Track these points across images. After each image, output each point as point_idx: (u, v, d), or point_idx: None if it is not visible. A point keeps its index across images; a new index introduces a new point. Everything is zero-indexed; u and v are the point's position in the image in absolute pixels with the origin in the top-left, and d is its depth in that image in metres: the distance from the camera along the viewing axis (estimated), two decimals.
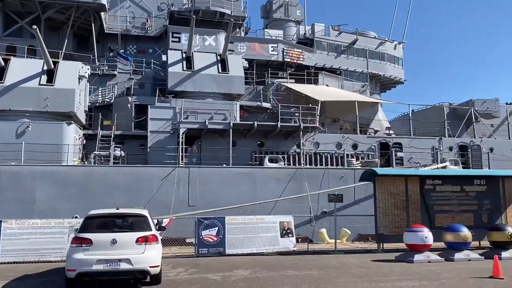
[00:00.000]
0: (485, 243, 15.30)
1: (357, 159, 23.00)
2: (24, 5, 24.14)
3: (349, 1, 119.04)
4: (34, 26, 18.91)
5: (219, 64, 23.94)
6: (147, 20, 27.66)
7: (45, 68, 20.09)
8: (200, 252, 13.98)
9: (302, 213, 18.87)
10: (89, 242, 8.34)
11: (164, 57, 24.89)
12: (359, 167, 21.62)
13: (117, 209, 9.48)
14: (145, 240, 8.57)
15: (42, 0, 23.83)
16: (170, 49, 24.92)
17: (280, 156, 21.94)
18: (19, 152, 17.95)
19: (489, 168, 23.43)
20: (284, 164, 21.67)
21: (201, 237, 14.08)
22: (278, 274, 10.52)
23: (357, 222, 18.99)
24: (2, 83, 19.21)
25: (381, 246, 15.50)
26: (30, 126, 18.84)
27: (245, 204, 18.00)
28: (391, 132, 26.41)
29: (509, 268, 11.22)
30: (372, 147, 23.82)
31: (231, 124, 21.01)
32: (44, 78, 19.89)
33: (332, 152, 23.09)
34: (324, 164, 22.50)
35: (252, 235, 14.35)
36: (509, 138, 26.60)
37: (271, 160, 21.51)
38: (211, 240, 14.10)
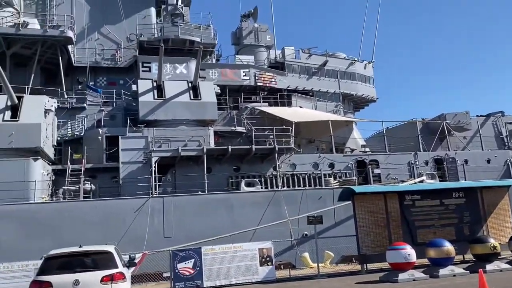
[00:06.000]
0: (469, 256, 15.07)
1: (335, 178, 22.77)
2: None
3: (317, 25, 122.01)
4: None
5: (191, 91, 23.64)
6: (117, 52, 27.34)
7: (9, 103, 19.38)
8: (177, 286, 13.26)
9: (283, 237, 18.35)
10: (48, 285, 7.68)
11: (134, 87, 24.48)
12: (337, 186, 21.37)
13: (80, 246, 8.84)
14: (110, 279, 7.96)
15: (6, 36, 23.28)
16: (141, 78, 24.55)
17: (257, 180, 21.52)
18: None
19: (465, 180, 23.52)
20: (261, 188, 21.25)
21: (177, 270, 13.39)
22: None
23: (340, 243, 18.55)
24: None
25: (365, 267, 15.07)
26: None
27: (223, 236, 17.31)
28: (367, 149, 26.38)
29: (495, 281, 10.95)
30: (349, 165, 23.67)
31: (205, 150, 20.55)
32: (8, 113, 19.16)
33: (309, 172, 22.83)
34: (302, 185, 22.17)
35: (230, 264, 13.72)
36: (482, 149, 26.92)
37: (247, 184, 21.05)
38: (187, 273, 13.42)
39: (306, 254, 18.14)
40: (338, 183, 21.97)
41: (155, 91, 23.32)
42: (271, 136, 22.64)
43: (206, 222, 18.43)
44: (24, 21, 24.12)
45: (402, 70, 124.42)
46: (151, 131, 21.62)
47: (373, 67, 34.10)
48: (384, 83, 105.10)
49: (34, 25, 24.45)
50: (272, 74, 28.73)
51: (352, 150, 27.27)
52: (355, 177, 22.76)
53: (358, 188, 15.80)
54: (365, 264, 15.04)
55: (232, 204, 19.41)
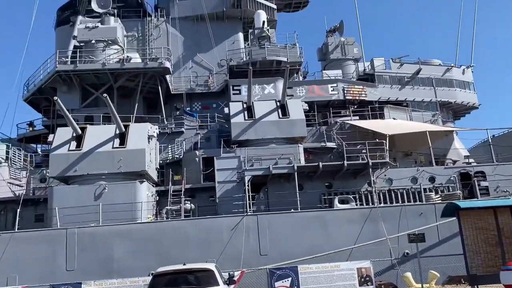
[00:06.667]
0: None
1: (436, 193, 21.38)
2: (98, 77, 26.32)
3: (407, 33, 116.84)
4: (105, 94, 20.37)
5: (279, 110, 24.05)
6: (209, 77, 28.93)
7: (117, 132, 21.41)
8: None
9: (382, 256, 17.55)
10: None
11: (226, 110, 25.57)
12: (440, 201, 20.00)
13: (184, 264, 9.36)
14: None
15: (113, 71, 25.87)
16: (232, 101, 25.61)
17: (351, 196, 20.98)
18: (98, 214, 18.91)
19: None
20: (356, 204, 20.66)
21: None
22: None
23: (446, 263, 17.26)
24: (80, 150, 20.68)
25: None
26: (106, 188, 19.87)
27: (319, 255, 17.11)
28: (471, 160, 24.42)
29: None
30: (452, 178, 22.07)
31: (295, 167, 20.64)
32: (116, 141, 21.14)
33: (407, 187, 21.72)
34: (400, 201, 21.14)
35: (328, 284, 13.50)
36: None
37: (341, 201, 20.61)
38: None
39: (409, 274, 17.12)
40: (440, 198, 20.58)
41: (246, 112, 24.14)
42: (364, 151, 22.03)
43: (300, 240, 18.36)
44: (127, 56, 26.67)
45: (507, 72, 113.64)
46: (243, 151, 22.35)
47: (472, 71, 31.76)
48: (487, 88, 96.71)
49: (136, 59, 26.92)
50: (361, 87, 28.13)
51: (454, 161, 25.47)
52: (459, 191, 21.18)
53: (463, 203, 14.62)
54: (476, 286, 13.78)
55: (326, 221, 19.11)
